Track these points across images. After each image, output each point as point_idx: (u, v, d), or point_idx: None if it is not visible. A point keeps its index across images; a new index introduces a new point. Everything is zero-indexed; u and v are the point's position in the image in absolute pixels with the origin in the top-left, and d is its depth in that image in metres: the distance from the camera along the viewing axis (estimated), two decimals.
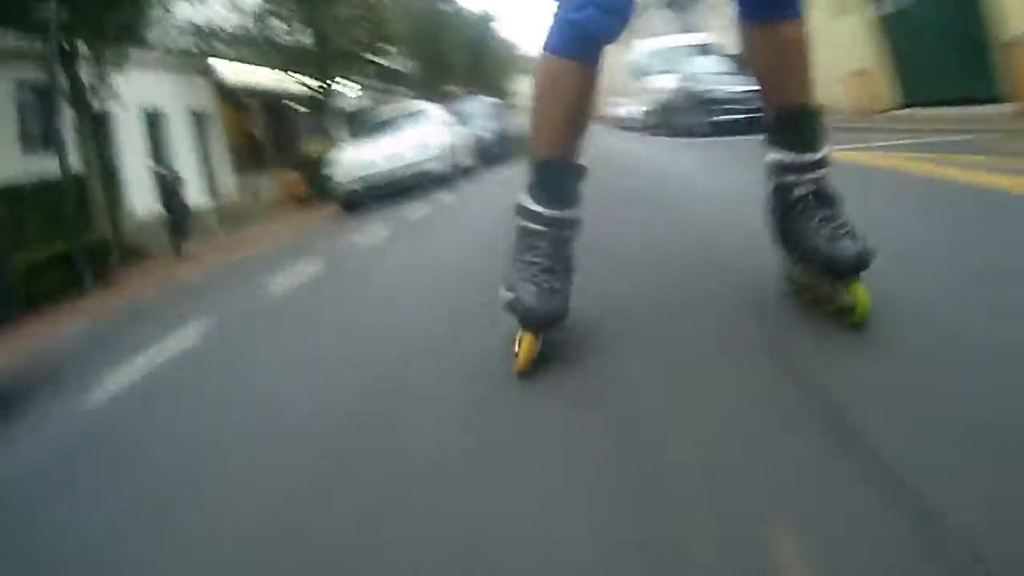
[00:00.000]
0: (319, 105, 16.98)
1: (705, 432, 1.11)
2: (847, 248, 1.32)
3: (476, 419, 1.41)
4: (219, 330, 3.45)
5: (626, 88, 17.05)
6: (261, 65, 15.93)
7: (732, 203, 3.17)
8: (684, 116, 10.30)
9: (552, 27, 1.48)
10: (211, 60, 15.21)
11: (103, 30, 9.42)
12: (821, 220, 1.40)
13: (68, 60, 9.21)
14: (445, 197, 8.69)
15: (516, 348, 1.49)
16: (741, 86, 8.42)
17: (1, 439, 2.47)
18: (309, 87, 16.23)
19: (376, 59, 19.95)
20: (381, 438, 1.44)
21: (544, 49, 1.52)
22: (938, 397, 1.05)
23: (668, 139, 10.45)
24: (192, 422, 2.02)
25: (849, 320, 1.33)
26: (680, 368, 1.39)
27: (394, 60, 22.67)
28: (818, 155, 1.47)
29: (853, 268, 1.32)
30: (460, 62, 26.97)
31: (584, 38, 1.45)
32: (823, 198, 1.45)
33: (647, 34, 18.06)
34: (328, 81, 16.43)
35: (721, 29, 13.62)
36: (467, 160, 12.22)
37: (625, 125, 17.07)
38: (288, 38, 15.68)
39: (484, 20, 34.93)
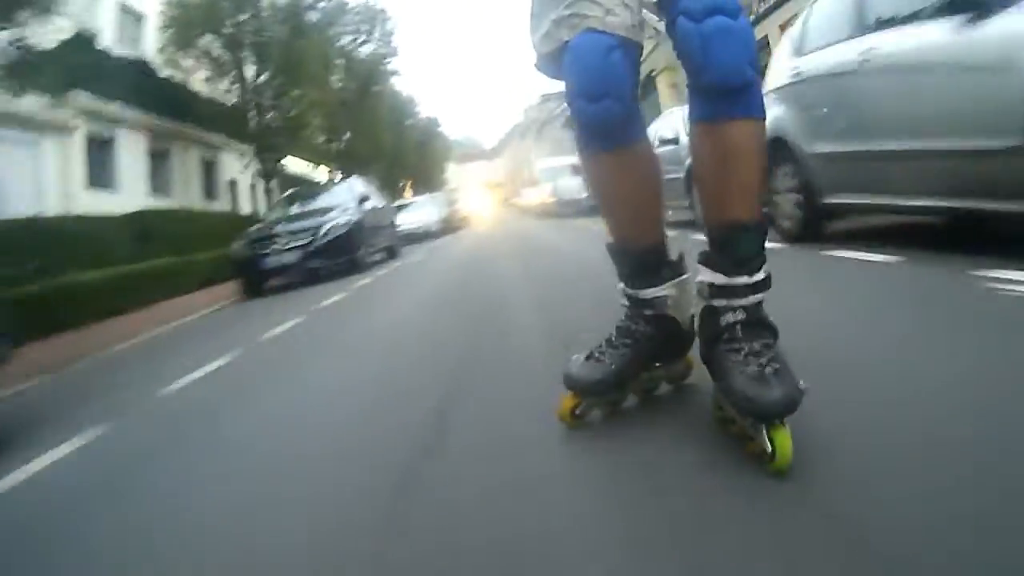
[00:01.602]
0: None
1: None
2: (769, 392, 1.18)
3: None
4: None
5: (534, 185, 25.94)
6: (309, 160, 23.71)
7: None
8: (557, 207, 18.95)
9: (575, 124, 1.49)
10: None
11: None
12: (747, 355, 1.26)
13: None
14: (432, 243, 16.12)
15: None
16: (585, 191, 17.06)
17: None
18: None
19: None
20: None
21: (577, 145, 1.53)
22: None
23: (553, 218, 18.86)
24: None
25: (768, 466, 1.16)
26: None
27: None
28: (753, 279, 1.32)
29: (774, 414, 1.17)
30: (412, 160, 35.58)
31: (587, 130, 1.46)
32: (754, 328, 1.31)
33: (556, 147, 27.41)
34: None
35: None
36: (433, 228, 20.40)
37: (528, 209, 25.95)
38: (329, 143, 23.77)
39: (431, 124, 44.21)
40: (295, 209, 10.61)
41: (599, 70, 1.36)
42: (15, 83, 7.94)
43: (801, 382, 1.22)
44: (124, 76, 14.18)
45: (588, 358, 1.55)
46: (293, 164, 21.79)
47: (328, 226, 9.38)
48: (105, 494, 2.02)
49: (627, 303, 1.57)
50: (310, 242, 9.15)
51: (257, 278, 9.22)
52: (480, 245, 12.31)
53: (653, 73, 18.07)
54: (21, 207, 10.34)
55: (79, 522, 1.80)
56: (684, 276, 1.55)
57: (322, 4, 20.61)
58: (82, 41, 11.45)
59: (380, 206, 12.14)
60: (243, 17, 16.42)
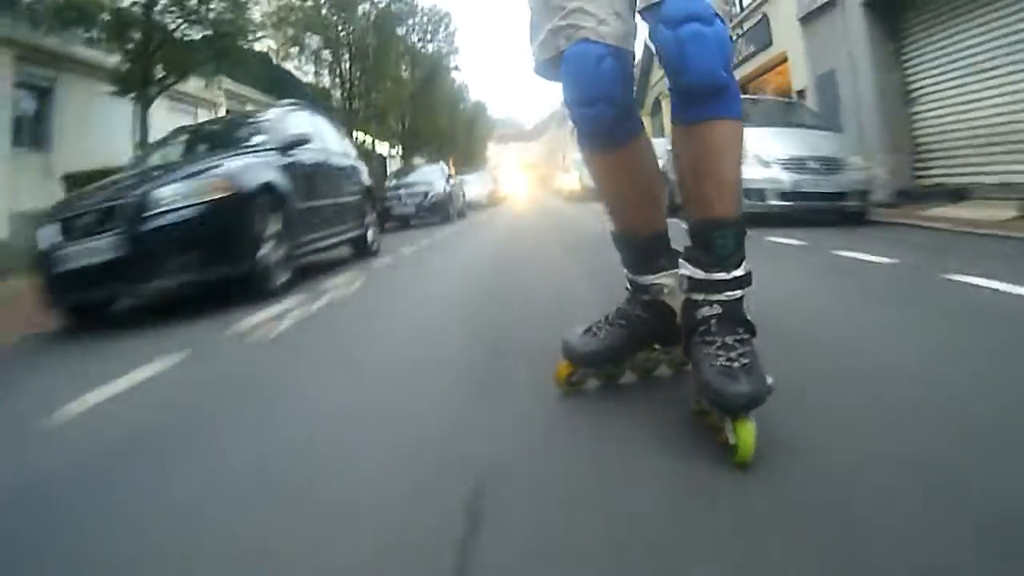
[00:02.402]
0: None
1: None
2: (735, 386, 1.26)
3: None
4: None
5: (567, 172, 30.08)
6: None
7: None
8: (583, 192, 23.09)
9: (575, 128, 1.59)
10: None
11: None
12: (719, 348, 1.34)
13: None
14: (489, 210, 20.45)
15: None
16: None
17: None
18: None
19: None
20: None
21: (578, 147, 1.66)
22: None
23: (579, 202, 23.00)
24: None
25: (733, 457, 1.25)
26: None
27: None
28: (731, 274, 1.39)
29: (738, 407, 1.25)
30: (461, 140, 39.84)
31: (584, 133, 1.59)
32: (729, 323, 1.37)
33: None
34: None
35: None
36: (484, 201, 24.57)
37: (560, 191, 30.18)
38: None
39: (479, 108, 48.45)
40: (409, 179, 15.61)
41: (592, 78, 1.45)
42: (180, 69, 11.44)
43: (770, 379, 1.29)
44: (252, 65, 18.53)
45: (586, 332, 1.68)
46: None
47: (432, 192, 14.46)
48: None
49: (629, 287, 1.70)
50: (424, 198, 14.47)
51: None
52: (523, 213, 16.88)
53: (659, 97, 21.96)
54: None
55: None
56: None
57: (396, 6, 24.80)
58: (224, 35, 15.52)
59: (455, 182, 16.83)
60: (342, 25, 20.76)
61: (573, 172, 26.08)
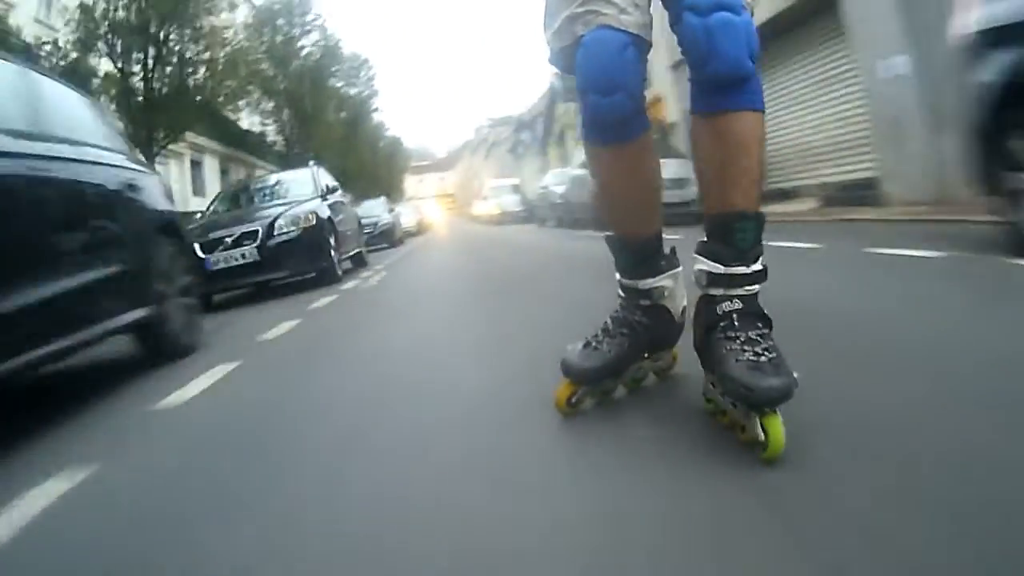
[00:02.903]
0: None
1: None
2: (766, 380, 1.22)
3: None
4: None
5: (484, 199, 33.50)
6: None
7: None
8: (500, 217, 26.50)
9: (580, 119, 1.53)
10: None
11: None
12: (744, 343, 1.31)
13: None
14: (423, 236, 23.50)
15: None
16: (521, 206, 24.55)
17: None
18: None
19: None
20: None
21: (582, 140, 1.58)
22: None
23: (496, 225, 26.32)
24: None
25: (761, 455, 1.22)
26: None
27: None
28: (751, 268, 1.37)
29: (770, 402, 1.21)
30: (382, 174, 42.72)
31: (597, 124, 1.49)
32: (750, 317, 1.35)
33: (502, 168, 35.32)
34: None
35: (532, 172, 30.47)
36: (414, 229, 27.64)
37: (478, 217, 33.58)
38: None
39: (397, 143, 51.52)
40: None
41: (613, 66, 1.39)
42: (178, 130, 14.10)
43: (795, 373, 1.25)
44: (205, 117, 21.06)
45: (585, 346, 1.58)
46: None
47: (380, 221, 16.92)
48: None
49: (623, 294, 1.62)
50: (375, 227, 16.53)
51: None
52: (452, 236, 20.03)
53: (563, 128, 25.67)
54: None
55: None
56: (678, 269, 1.61)
57: (325, 59, 27.65)
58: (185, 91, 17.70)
59: (395, 212, 19.88)
60: (281, 77, 23.51)
61: (491, 199, 29.49)
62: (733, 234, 1.38)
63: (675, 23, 1.39)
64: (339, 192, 9.08)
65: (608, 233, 1.65)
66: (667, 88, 16.12)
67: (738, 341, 1.32)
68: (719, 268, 1.38)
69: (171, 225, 4.00)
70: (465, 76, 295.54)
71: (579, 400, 1.62)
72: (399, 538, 1.20)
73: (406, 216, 26.00)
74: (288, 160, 24.07)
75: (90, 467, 1.88)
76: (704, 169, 1.45)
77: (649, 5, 1.46)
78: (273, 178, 9.34)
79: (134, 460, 2.00)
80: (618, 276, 1.65)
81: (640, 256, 1.61)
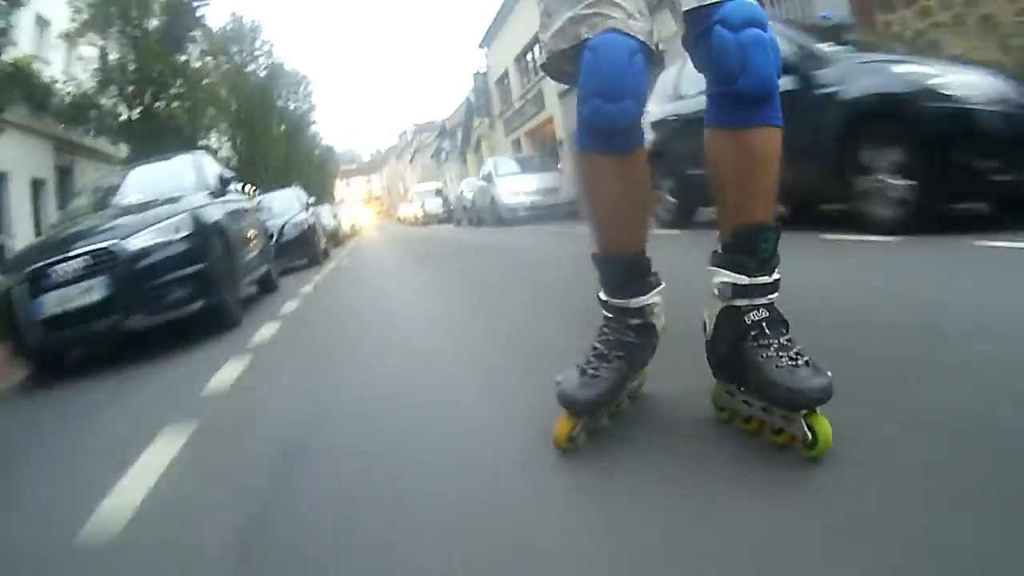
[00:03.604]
0: None
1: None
2: (809, 379, 1.28)
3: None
4: None
5: (409, 202, 37.78)
6: None
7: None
8: (424, 219, 30.83)
9: (577, 122, 1.47)
10: None
11: None
12: (778, 349, 1.34)
13: None
14: (358, 237, 27.60)
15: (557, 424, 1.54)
16: (442, 208, 28.95)
17: None
18: None
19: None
20: None
21: (576, 148, 1.52)
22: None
23: (420, 226, 30.61)
24: None
25: (805, 453, 1.28)
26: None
27: None
28: (772, 278, 1.40)
29: (816, 402, 1.27)
30: (315, 180, 46.41)
31: (598, 131, 1.45)
32: (777, 324, 1.39)
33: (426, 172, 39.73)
34: None
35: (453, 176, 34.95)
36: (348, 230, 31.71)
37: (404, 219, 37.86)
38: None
39: (329, 151, 55.11)
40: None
41: (623, 72, 1.37)
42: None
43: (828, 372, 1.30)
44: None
45: (582, 375, 1.52)
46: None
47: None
48: None
49: (611, 315, 1.57)
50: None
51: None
52: (384, 236, 24.37)
53: (480, 137, 30.23)
54: None
55: None
56: (663, 285, 1.60)
57: (273, 81, 31.31)
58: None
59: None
60: (234, 101, 27.21)
61: (416, 202, 33.84)
62: (757, 245, 1.39)
63: (700, 37, 1.39)
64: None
65: (595, 252, 1.59)
66: (558, 109, 20.86)
67: (772, 348, 1.34)
68: (744, 279, 1.39)
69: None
70: (390, 81, 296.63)
71: (578, 435, 1.54)
72: None
73: (342, 217, 29.96)
74: (238, 172, 27.84)
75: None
76: (724, 182, 1.43)
77: (653, 16, 1.45)
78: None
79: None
80: (604, 297, 1.59)
81: (631, 273, 1.57)
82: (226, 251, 5.52)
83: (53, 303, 4.49)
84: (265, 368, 3.57)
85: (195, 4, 18.70)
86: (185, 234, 4.91)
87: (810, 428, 1.27)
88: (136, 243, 4.68)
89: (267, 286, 7.99)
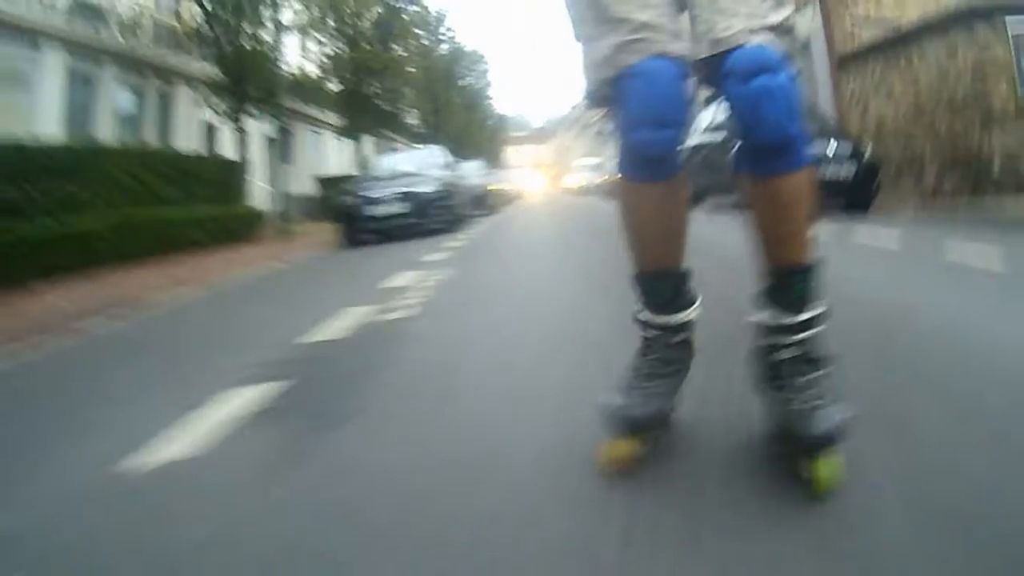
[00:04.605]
0: None
1: None
2: (815, 425, 1.29)
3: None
4: None
5: (575, 174, 40.56)
6: None
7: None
8: (585, 189, 33.51)
9: (620, 150, 1.46)
10: None
11: None
12: (797, 388, 1.37)
13: None
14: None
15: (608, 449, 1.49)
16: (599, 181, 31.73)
17: None
18: None
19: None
20: None
21: (618, 172, 1.52)
22: None
23: (582, 196, 33.23)
24: None
25: (811, 490, 1.28)
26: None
27: None
28: (806, 315, 1.40)
29: (817, 446, 1.28)
30: (486, 146, 50.54)
31: (646, 159, 1.43)
32: (806, 362, 1.40)
33: (591, 147, 42.54)
34: None
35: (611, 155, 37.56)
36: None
37: (568, 189, 40.80)
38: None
39: (504, 120, 59.39)
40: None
41: (669, 98, 1.36)
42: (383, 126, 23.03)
43: (850, 411, 1.31)
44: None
45: (633, 391, 1.50)
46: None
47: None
48: None
49: (654, 332, 1.56)
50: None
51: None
52: (547, 200, 27.44)
53: None
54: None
55: None
56: (701, 298, 1.60)
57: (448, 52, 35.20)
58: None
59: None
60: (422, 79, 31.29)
61: (578, 174, 36.69)
62: (789, 287, 1.40)
63: (712, 82, 1.40)
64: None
65: (637, 271, 1.55)
66: None
67: (793, 386, 1.37)
68: (772, 319, 1.42)
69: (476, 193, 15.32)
70: (568, 49, 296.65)
71: (642, 453, 1.49)
72: None
73: (519, 180, 32.92)
74: (423, 138, 31.89)
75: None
76: (759, 226, 1.43)
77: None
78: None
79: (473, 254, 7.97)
80: (646, 316, 1.56)
81: (675, 290, 1.55)
82: (456, 196, 11.75)
83: (379, 211, 10.61)
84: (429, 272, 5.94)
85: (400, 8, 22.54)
86: (441, 187, 11.23)
87: (813, 470, 1.29)
88: (422, 189, 10.96)
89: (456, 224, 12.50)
